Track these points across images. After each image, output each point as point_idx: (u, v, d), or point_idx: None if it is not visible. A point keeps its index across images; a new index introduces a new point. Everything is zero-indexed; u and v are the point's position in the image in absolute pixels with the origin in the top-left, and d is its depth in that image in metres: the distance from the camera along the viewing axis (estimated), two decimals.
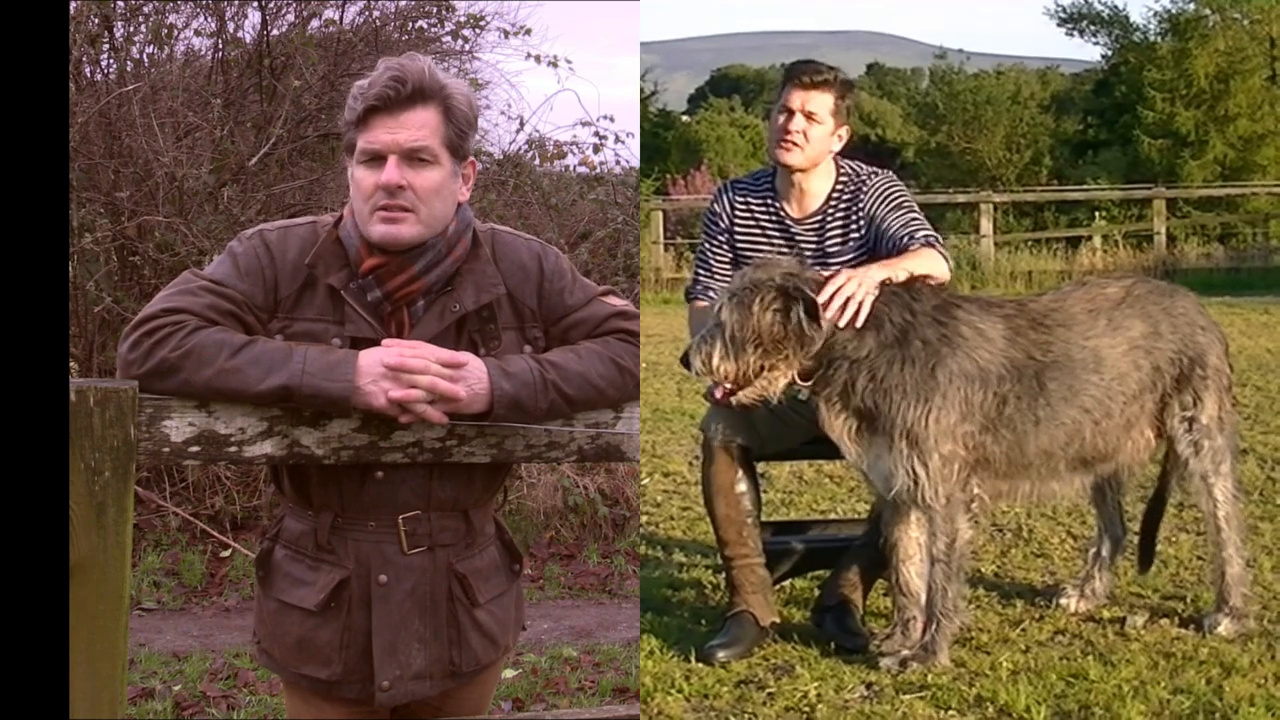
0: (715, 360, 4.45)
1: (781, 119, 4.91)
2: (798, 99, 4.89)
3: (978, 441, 4.52)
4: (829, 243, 4.95)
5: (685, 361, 4.56)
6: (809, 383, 4.48)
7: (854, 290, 4.43)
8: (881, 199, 4.92)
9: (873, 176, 4.99)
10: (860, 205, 4.94)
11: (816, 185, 4.98)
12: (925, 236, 4.77)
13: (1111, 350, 4.69)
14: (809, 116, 4.88)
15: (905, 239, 4.77)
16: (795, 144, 4.87)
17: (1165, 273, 19.70)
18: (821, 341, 4.42)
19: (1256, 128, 31.72)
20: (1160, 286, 4.96)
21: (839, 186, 4.98)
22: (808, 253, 4.92)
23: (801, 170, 4.93)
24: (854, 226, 4.94)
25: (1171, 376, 4.78)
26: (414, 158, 3.08)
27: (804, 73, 4.91)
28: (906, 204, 4.93)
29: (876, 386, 4.43)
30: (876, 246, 4.89)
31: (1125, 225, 25.32)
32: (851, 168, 5.02)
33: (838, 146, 4.97)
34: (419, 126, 3.08)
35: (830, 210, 4.97)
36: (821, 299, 4.42)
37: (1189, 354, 4.80)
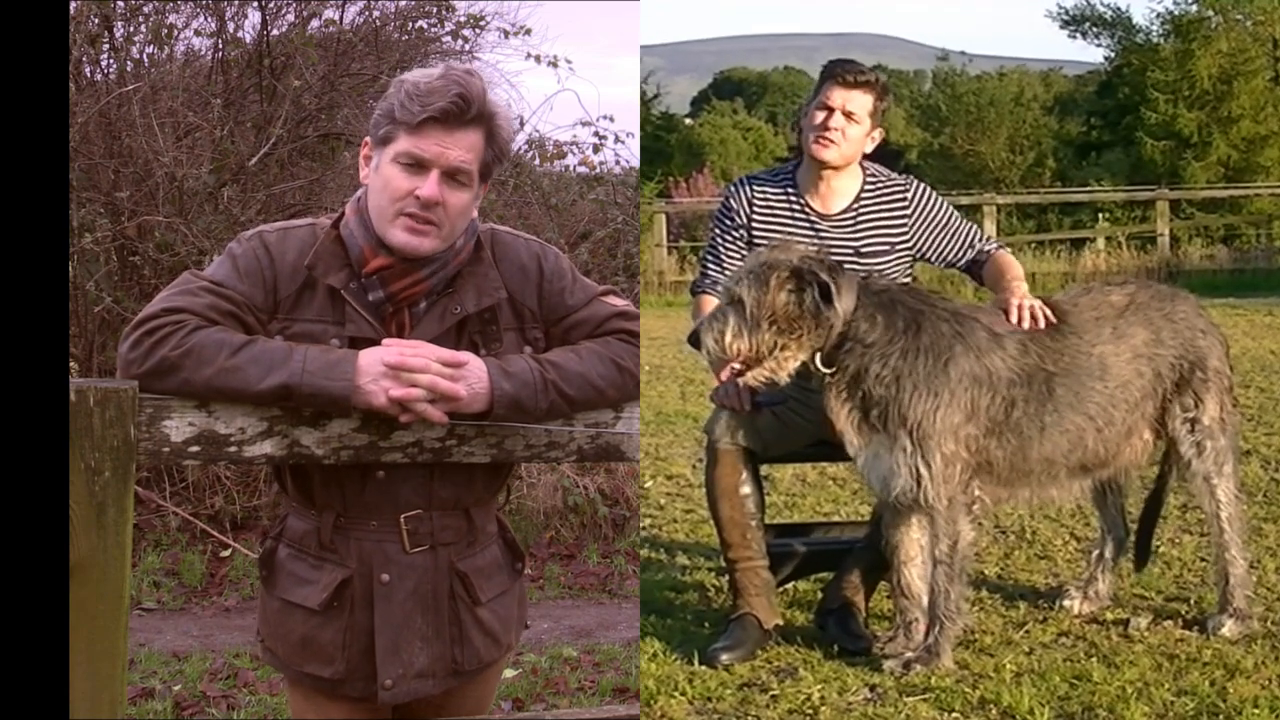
0: (728, 337, 4.42)
1: (820, 115, 4.91)
2: (839, 97, 4.90)
3: (981, 445, 4.52)
4: (863, 242, 4.96)
5: (694, 341, 4.50)
6: (831, 369, 4.48)
7: (1031, 305, 4.65)
8: (933, 212, 5.07)
9: (911, 184, 5.09)
10: (907, 213, 5.01)
11: (845, 184, 5.00)
12: (991, 242, 5.11)
13: (1116, 358, 4.70)
14: (848, 115, 4.89)
15: (975, 250, 5.09)
16: (833, 140, 4.89)
17: (1169, 274, 19.69)
18: (840, 325, 4.42)
19: (1259, 129, 31.71)
20: (1161, 291, 4.97)
21: (868, 187, 5.01)
22: (838, 249, 4.91)
23: (835, 168, 4.94)
24: (896, 232, 5.00)
25: (1172, 381, 4.80)
26: (454, 177, 3.09)
27: (846, 71, 4.92)
28: (956, 215, 5.11)
29: (888, 374, 4.43)
30: (925, 256, 5.09)
31: (1128, 227, 25.27)
32: (878, 170, 5.07)
33: (870, 148, 5.00)
34: (468, 148, 3.09)
35: (862, 209, 4.98)
36: (1014, 318, 4.62)
37: (1189, 358, 4.80)
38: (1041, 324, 4.60)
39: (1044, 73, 44.85)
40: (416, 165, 3.07)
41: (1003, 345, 4.55)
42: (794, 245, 4.61)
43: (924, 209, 5.02)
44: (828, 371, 4.49)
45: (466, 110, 3.06)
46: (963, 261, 5.06)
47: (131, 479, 2.65)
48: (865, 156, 5.06)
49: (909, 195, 5.03)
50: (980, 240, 5.07)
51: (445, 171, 3.07)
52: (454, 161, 3.07)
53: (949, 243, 5.03)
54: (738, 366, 4.48)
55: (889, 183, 5.04)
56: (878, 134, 5.01)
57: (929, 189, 5.10)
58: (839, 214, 5.00)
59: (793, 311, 4.41)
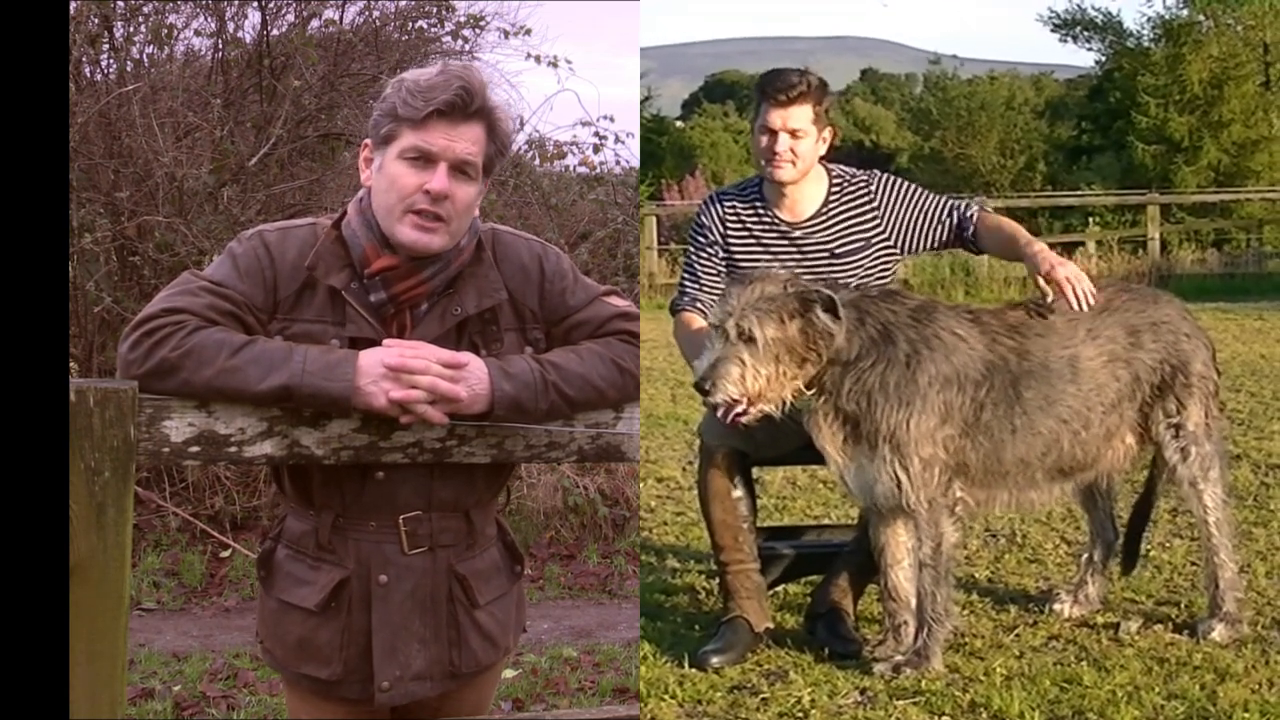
0: (748, 379, 4.41)
1: (765, 140, 4.90)
2: (777, 118, 4.87)
3: (958, 445, 4.53)
4: (838, 243, 4.96)
5: (708, 387, 4.41)
6: (813, 391, 4.50)
7: (1074, 273, 4.65)
8: (902, 197, 5.03)
9: (874, 177, 5.06)
10: (876, 206, 4.99)
11: (811, 190, 4.99)
12: (975, 204, 5.04)
13: (1090, 360, 4.70)
14: (793, 134, 4.87)
15: (956, 214, 5.00)
16: (786, 161, 4.88)
17: (1159, 278, 19.76)
18: (842, 339, 4.43)
19: (1250, 133, 31.78)
20: (1143, 294, 4.97)
21: (834, 188, 5.01)
22: (815, 255, 4.93)
23: (794, 183, 4.95)
24: (869, 227, 4.98)
25: (1153, 385, 4.79)
26: (461, 170, 3.09)
27: (778, 90, 4.87)
28: (925, 193, 5.06)
29: (859, 389, 4.45)
30: (908, 245, 5.03)
31: (1119, 231, 25.36)
32: (842, 170, 5.06)
33: (824, 150, 4.98)
34: (473, 140, 3.10)
35: (833, 211, 4.98)
36: (1052, 297, 4.65)
37: (1172, 361, 4.80)
38: (1090, 301, 4.62)
39: (1035, 76, 44.97)
40: (424, 159, 3.07)
41: (969, 345, 4.56)
42: (775, 274, 4.59)
43: (890, 197, 5.00)
44: (810, 394, 4.51)
45: (470, 102, 3.07)
46: (947, 234, 4.98)
47: (131, 479, 2.66)
48: (851, 162, 5.08)
49: (873, 187, 5.01)
50: (959, 207, 4.98)
51: (453, 164, 3.08)
52: (461, 154, 3.08)
53: (925, 221, 4.97)
54: (741, 406, 4.48)
55: (853, 180, 5.03)
56: (828, 134, 4.98)
57: (893, 177, 5.08)
58: (809, 219, 5.00)
59: (809, 340, 4.43)
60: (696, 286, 5.04)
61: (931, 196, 5.04)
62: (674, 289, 5.28)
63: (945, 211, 4.99)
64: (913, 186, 5.07)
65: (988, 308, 4.86)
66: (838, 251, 4.96)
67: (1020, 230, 4.88)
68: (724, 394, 4.41)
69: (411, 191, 3.07)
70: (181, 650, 7.26)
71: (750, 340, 4.40)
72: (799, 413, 4.68)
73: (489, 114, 3.14)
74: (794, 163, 4.89)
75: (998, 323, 4.67)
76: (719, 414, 4.53)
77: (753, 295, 4.45)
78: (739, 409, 4.46)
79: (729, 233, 5.05)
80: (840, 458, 4.56)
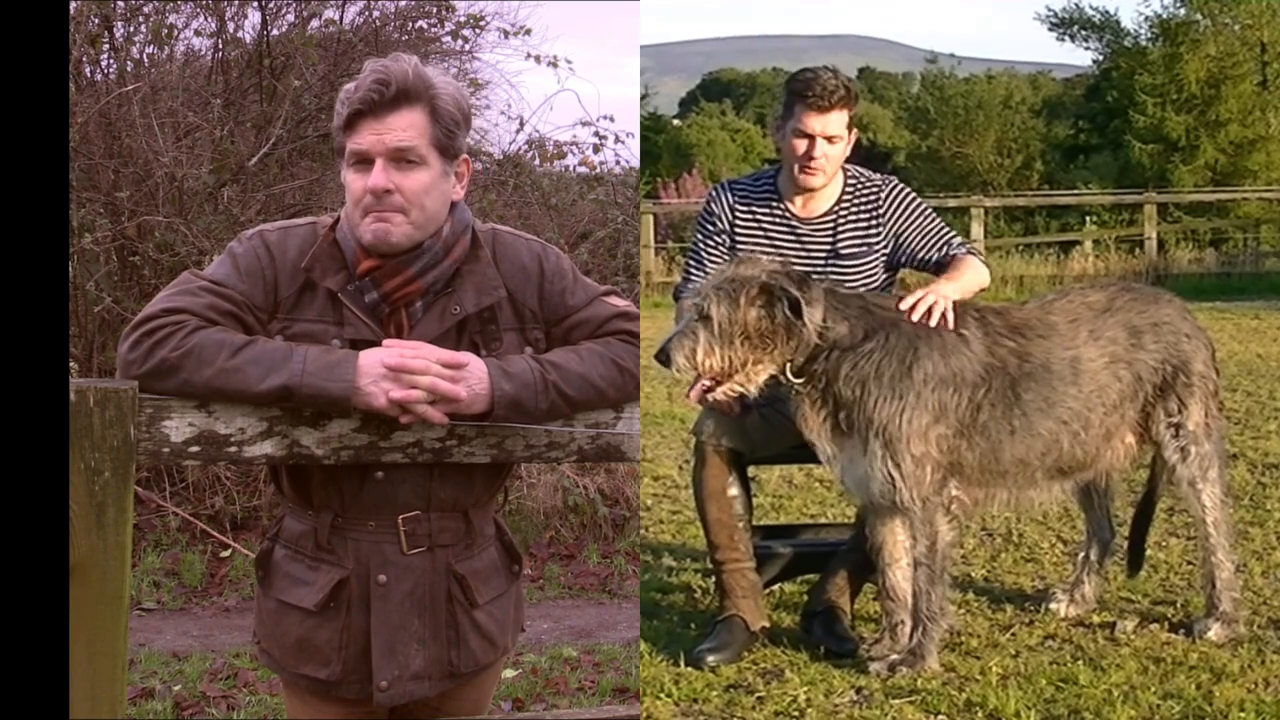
0: (700, 355, 4.44)
1: (802, 146, 4.88)
2: (816, 124, 4.86)
3: (952, 445, 4.53)
4: (843, 244, 4.97)
5: (664, 358, 4.50)
6: (801, 379, 4.50)
7: (933, 301, 4.56)
8: (906, 212, 5.01)
9: (887, 184, 5.05)
10: (880, 213, 4.98)
11: (826, 189, 5.00)
12: (963, 245, 4.93)
13: (1092, 361, 4.70)
14: (829, 139, 4.87)
15: (946, 250, 4.91)
16: (820, 169, 4.88)
17: (1156, 278, 19.77)
18: (812, 337, 4.44)
19: (1247, 133, 31.76)
20: (1144, 294, 4.97)
21: (849, 188, 5.01)
22: (819, 253, 4.94)
23: (823, 188, 4.96)
24: (874, 233, 4.98)
25: (1154, 385, 4.80)
26: (401, 159, 3.08)
27: (818, 96, 4.84)
28: (930, 214, 5.03)
29: (856, 377, 4.45)
30: (898, 257, 5.00)
31: (1116, 230, 25.37)
32: (857, 171, 5.05)
33: (849, 151, 4.99)
34: (405, 128, 3.08)
35: (842, 212, 4.99)
36: (904, 306, 4.55)
37: (1173, 362, 4.81)
38: (934, 322, 4.54)
39: (1032, 75, 44.88)
40: (363, 161, 3.09)
41: (968, 346, 4.57)
42: (760, 259, 4.61)
43: (896, 207, 5.00)
44: (798, 382, 4.51)
45: (386, 92, 3.05)
46: (932, 261, 4.97)
47: (131, 479, 2.66)
48: (850, 161, 5.08)
49: (883, 194, 5.01)
50: (956, 244, 4.98)
51: (389, 157, 3.07)
52: (392, 144, 3.07)
53: (919, 241, 4.96)
54: (707, 383, 4.50)
55: (867, 184, 5.04)
56: (853, 136, 5.00)
57: (905, 189, 5.08)
58: (819, 218, 5.01)
59: (764, 327, 4.44)
60: (702, 274, 5.01)
61: (938, 223, 5.02)
62: (670, 287, 5.28)
63: (943, 242, 4.95)
64: (919, 204, 5.06)
65: (994, 306, 4.87)
66: (841, 251, 4.96)
67: (960, 271, 4.83)
68: (677, 365, 4.47)
69: (360, 195, 3.09)
70: (181, 650, 7.26)
71: (706, 318, 4.43)
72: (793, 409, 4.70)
73: (423, 96, 3.11)
74: (826, 170, 4.90)
75: (1001, 323, 4.68)
76: (689, 394, 4.58)
77: (722, 276, 4.50)
78: (704, 385, 4.50)
79: (737, 222, 5.04)
80: (830, 448, 4.56)
